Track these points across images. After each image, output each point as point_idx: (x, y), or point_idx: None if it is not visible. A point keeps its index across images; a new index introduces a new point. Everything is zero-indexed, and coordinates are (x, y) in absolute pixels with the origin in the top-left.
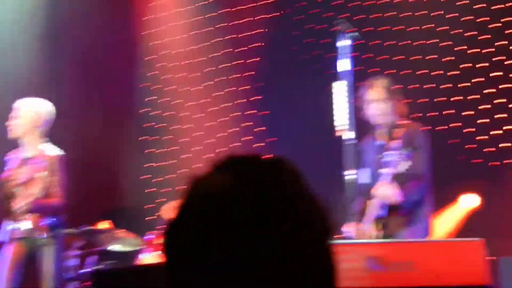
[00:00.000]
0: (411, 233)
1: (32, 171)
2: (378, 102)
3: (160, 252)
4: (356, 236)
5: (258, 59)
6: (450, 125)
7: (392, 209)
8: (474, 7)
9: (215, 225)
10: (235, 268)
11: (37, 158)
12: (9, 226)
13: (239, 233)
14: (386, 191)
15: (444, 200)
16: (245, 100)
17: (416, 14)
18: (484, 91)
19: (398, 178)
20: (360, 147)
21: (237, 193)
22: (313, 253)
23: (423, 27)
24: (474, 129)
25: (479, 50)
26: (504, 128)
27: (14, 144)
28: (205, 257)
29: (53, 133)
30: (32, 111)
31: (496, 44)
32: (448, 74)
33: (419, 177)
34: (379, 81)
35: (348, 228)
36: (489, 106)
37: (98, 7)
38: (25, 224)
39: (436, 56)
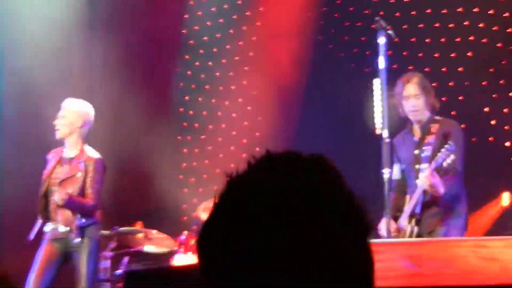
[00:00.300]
0: (449, 229)
1: (71, 171)
2: (414, 98)
3: (194, 253)
4: (391, 233)
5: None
6: (487, 123)
7: (427, 205)
8: None
9: (249, 225)
10: (273, 269)
11: (77, 158)
12: (46, 226)
13: (276, 233)
14: (433, 181)
15: (481, 197)
16: (285, 97)
17: (452, 11)
18: None
19: (439, 172)
20: (393, 143)
21: (274, 191)
22: (352, 251)
23: (460, 25)
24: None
25: None
26: None
27: (56, 143)
28: (238, 256)
29: (91, 133)
30: (76, 112)
31: None
32: (485, 71)
33: (457, 172)
34: (414, 77)
35: (383, 225)
36: None
37: (139, 5)
38: (60, 225)
39: (471, 53)
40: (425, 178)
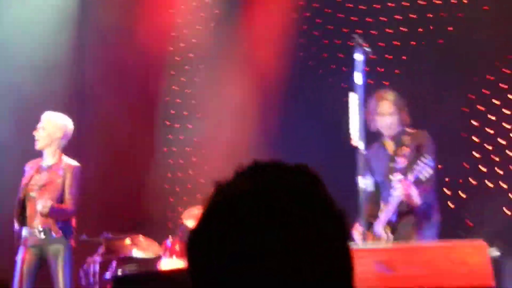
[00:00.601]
0: (424, 237)
1: (50, 177)
2: (389, 115)
3: (179, 257)
4: (365, 240)
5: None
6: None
7: (402, 214)
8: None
9: (236, 230)
10: (266, 270)
11: (56, 165)
12: (23, 230)
13: (268, 233)
14: (411, 193)
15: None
16: (267, 109)
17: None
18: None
19: (416, 183)
20: (366, 156)
21: (259, 198)
22: (342, 253)
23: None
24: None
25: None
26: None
27: (34, 154)
28: (226, 261)
29: (84, 144)
30: (55, 124)
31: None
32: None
33: (433, 184)
34: (388, 94)
35: (357, 232)
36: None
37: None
38: (39, 231)
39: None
40: (403, 189)
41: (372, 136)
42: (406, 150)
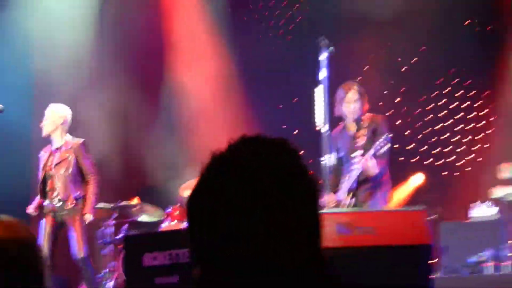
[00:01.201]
0: (378, 201)
1: (62, 155)
2: (354, 102)
3: (177, 221)
4: (330, 205)
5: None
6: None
7: (361, 182)
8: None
9: (225, 211)
10: (242, 253)
11: (65, 146)
12: (45, 202)
13: (245, 221)
14: (370, 164)
15: (398, 178)
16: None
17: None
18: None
19: (375, 156)
20: (331, 136)
21: (246, 180)
22: (308, 215)
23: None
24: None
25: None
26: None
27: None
28: (215, 238)
29: (100, 128)
30: (56, 113)
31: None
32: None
33: (388, 157)
34: (354, 85)
35: (325, 198)
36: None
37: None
38: (56, 200)
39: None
40: (364, 161)
41: (334, 120)
42: (365, 131)
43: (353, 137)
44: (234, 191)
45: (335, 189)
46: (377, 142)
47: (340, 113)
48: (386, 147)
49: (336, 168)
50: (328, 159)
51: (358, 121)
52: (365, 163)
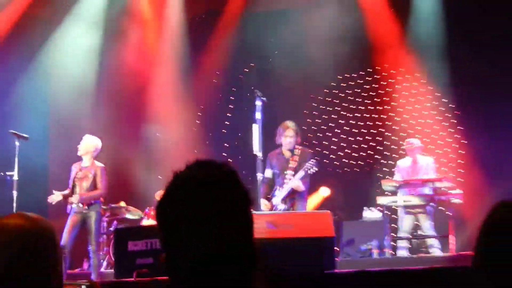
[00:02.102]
0: (300, 208)
1: (86, 173)
2: (290, 138)
3: (153, 219)
4: (265, 208)
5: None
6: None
7: (291, 193)
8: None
9: (184, 209)
10: (199, 234)
11: (90, 167)
12: (73, 205)
13: (201, 214)
14: (300, 184)
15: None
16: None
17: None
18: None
19: (303, 177)
20: (268, 157)
21: (199, 187)
22: (243, 216)
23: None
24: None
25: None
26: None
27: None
28: (177, 226)
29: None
30: (90, 143)
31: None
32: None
33: (308, 179)
34: (291, 124)
35: (262, 204)
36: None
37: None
38: (80, 206)
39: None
40: (296, 181)
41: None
42: (297, 158)
43: (287, 161)
44: (188, 201)
45: (268, 196)
46: (307, 166)
47: (279, 142)
48: (313, 170)
49: (269, 180)
50: (260, 176)
51: (292, 150)
52: (296, 182)
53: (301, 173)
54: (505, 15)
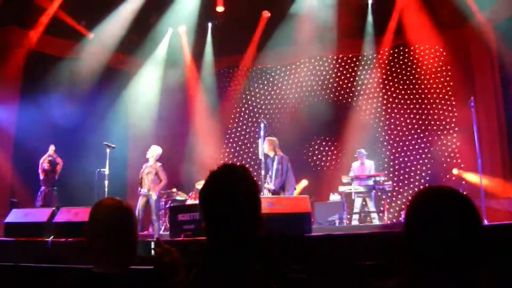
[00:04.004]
0: (290, 192)
1: (150, 169)
2: (269, 148)
3: (194, 199)
4: (267, 191)
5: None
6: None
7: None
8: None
9: (212, 190)
10: (221, 212)
11: (153, 165)
12: (141, 190)
13: (220, 207)
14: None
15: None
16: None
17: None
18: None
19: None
20: (266, 161)
21: (222, 179)
22: (254, 198)
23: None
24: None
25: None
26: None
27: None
28: (210, 207)
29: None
30: (155, 150)
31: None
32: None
33: (287, 172)
34: (272, 138)
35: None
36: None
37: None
38: (146, 190)
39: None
40: (279, 176)
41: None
42: (276, 161)
43: (272, 163)
44: (216, 190)
45: (268, 183)
46: (281, 167)
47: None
48: (286, 168)
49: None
50: (264, 174)
51: (274, 155)
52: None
53: (280, 171)
54: None
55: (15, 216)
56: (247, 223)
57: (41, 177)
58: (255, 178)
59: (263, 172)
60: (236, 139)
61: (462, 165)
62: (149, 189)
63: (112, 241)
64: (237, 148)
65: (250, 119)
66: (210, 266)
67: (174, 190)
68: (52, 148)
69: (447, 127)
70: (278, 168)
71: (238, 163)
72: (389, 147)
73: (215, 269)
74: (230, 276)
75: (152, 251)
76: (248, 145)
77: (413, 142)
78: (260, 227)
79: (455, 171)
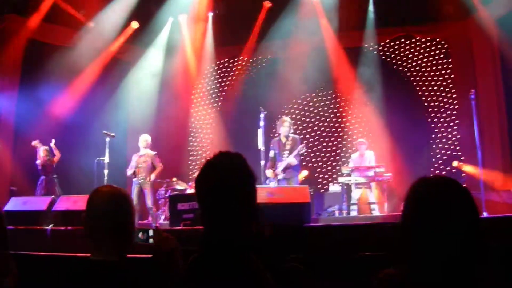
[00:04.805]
0: (295, 178)
1: (144, 158)
2: (286, 127)
3: (193, 189)
4: (270, 175)
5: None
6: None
7: (287, 167)
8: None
9: (210, 182)
10: (217, 199)
11: (145, 155)
12: (135, 178)
13: (218, 196)
14: (293, 160)
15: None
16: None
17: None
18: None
19: (296, 155)
20: (271, 142)
21: (220, 172)
22: (251, 190)
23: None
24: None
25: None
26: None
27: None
28: (205, 193)
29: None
30: (143, 138)
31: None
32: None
33: (300, 156)
34: (287, 118)
35: (267, 173)
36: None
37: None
38: (140, 178)
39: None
40: (290, 157)
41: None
42: (290, 141)
43: (284, 144)
44: (211, 179)
45: (273, 168)
46: (299, 148)
47: (278, 131)
48: (303, 150)
49: (272, 158)
50: (264, 160)
51: (287, 137)
52: (291, 159)
53: (294, 153)
54: None
55: (14, 204)
56: (242, 212)
57: (39, 167)
58: (252, 167)
59: (262, 162)
60: (236, 129)
61: (462, 158)
62: (144, 177)
63: (109, 228)
64: (237, 138)
65: (250, 109)
66: (205, 254)
67: (174, 179)
68: (52, 143)
69: (448, 119)
70: (301, 148)
71: (234, 151)
72: (389, 138)
73: (211, 258)
74: (225, 265)
75: (150, 240)
76: (248, 135)
77: (413, 134)
78: (255, 216)
79: (455, 163)
